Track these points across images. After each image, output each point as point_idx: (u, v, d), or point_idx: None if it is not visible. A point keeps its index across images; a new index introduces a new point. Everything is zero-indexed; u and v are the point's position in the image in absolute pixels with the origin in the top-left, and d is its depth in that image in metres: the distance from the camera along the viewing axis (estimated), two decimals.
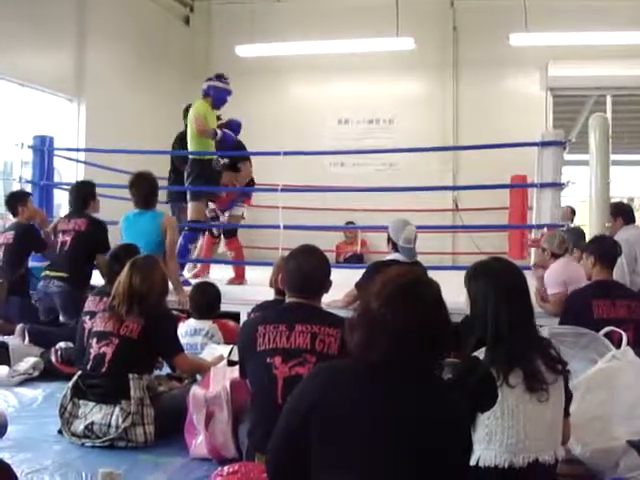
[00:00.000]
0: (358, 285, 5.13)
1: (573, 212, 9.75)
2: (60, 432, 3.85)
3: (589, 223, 6.49)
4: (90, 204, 6.20)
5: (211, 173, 7.16)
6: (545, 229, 6.53)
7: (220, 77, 7.15)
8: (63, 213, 8.34)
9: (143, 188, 5.96)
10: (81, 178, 9.29)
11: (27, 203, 6.54)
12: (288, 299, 3.30)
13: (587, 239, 6.32)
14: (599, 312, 4.26)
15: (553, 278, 5.07)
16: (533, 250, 6.53)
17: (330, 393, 2.09)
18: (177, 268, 5.87)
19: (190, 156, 7.22)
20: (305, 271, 3.23)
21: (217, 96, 7.09)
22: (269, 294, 4.80)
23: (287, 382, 2.91)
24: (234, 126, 7.57)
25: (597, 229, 6.15)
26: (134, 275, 4.02)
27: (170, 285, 4.73)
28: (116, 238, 6.05)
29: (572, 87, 12.07)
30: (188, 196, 7.14)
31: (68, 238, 5.95)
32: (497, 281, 2.72)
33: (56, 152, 8.25)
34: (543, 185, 6.75)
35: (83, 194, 6.20)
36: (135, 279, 4.01)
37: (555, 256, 5.31)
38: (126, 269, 4.08)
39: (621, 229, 6.29)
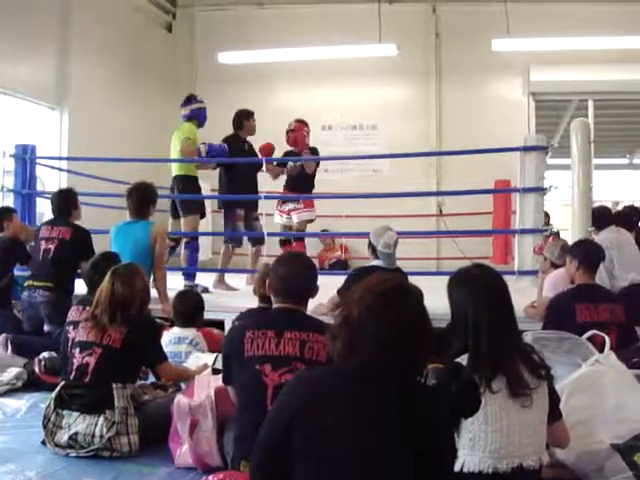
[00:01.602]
0: (340, 292, 5.13)
1: (547, 216, 9.77)
2: (44, 443, 3.82)
3: (571, 227, 6.50)
4: (73, 212, 6.18)
5: (196, 190, 7.40)
6: (551, 238, 6.56)
7: (193, 98, 7.44)
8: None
9: (137, 198, 5.96)
10: (64, 186, 9.29)
11: (12, 219, 6.60)
12: (275, 305, 3.30)
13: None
14: (582, 316, 4.27)
15: (551, 284, 5.06)
16: (536, 257, 6.52)
17: (311, 402, 2.10)
18: (165, 277, 5.86)
19: (176, 173, 7.37)
20: (292, 277, 3.24)
21: (200, 116, 7.40)
22: (253, 302, 4.80)
23: (277, 390, 2.89)
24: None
25: (579, 233, 6.16)
26: (115, 283, 4.01)
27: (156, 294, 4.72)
28: (101, 247, 6.02)
29: (554, 92, 12.13)
30: (181, 211, 7.27)
31: (52, 246, 5.91)
32: (477, 287, 2.73)
33: (38, 161, 8.19)
34: (526, 190, 6.79)
35: (66, 202, 6.16)
36: (117, 287, 3.99)
37: (555, 266, 5.33)
38: (107, 277, 4.06)
39: (598, 233, 6.32)
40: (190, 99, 7.45)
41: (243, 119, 7.77)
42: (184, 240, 7.35)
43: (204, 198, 8.06)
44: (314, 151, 7.91)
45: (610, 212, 6.82)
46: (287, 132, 7.87)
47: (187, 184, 7.34)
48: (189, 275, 7.26)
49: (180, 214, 7.31)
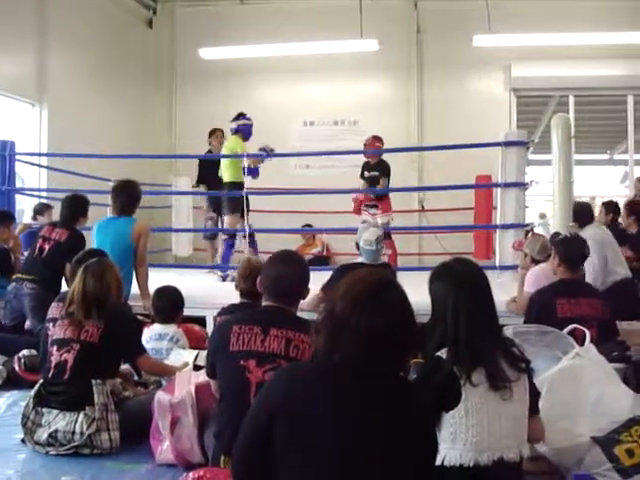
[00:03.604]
0: (324, 289, 5.12)
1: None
2: (23, 441, 3.80)
3: (552, 222, 6.53)
4: (79, 219, 6.18)
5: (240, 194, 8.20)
6: (530, 234, 6.57)
7: (242, 115, 8.41)
8: (26, 219, 8.29)
9: (125, 196, 5.95)
10: (44, 183, 9.24)
11: (9, 226, 6.73)
12: (264, 303, 3.29)
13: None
14: (563, 310, 4.28)
15: (533, 279, 5.07)
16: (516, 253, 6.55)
17: (293, 396, 2.09)
18: (147, 274, 5.85)
19: (225, 180, 8.33)
20: (283, 277, 3.22)
21: (245, 131, 8.33)
22: (235, 297, 4.78)
23: (260, 387, 2.88)
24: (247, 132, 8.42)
25: (560, 228, 6.19)
26: (87, 279, 4.00)
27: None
28: (90, 245, 5.99)
29: (535, 88, 12.20)
30: (226, 209, 8.30)
31: (47, 246, 5.94)
32: (457, 281, 2.73)
33: (17, 157, 8.14)
34: (507, 185, 6.81)
35: (75, 209, 6.17)
36: (88, 283, 3.99)
37: (536, 262, 5.34)
38: (79, 274, 4.06)
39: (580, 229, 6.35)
40: (239, 116, 8.39)
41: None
42: (223, 237, 8.34)
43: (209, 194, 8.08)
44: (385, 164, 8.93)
45: (590, 208, 6.86)
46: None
47: (234, 189, 8.16)
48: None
49: (224, 212, 8.32)
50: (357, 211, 8.88)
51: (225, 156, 8.35)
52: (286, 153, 8.80)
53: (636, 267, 6.80)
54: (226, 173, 8.31)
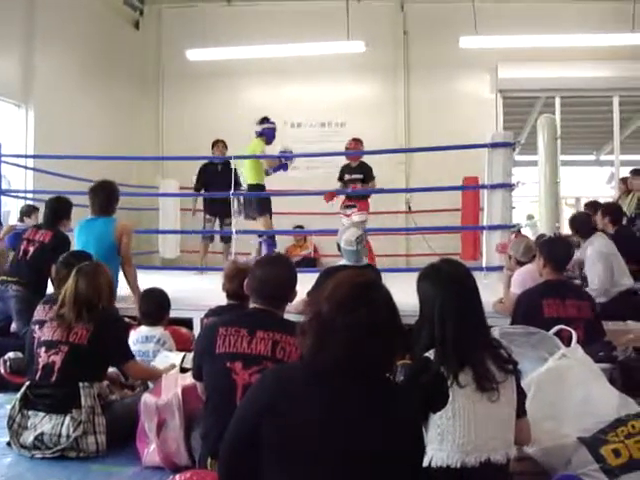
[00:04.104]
0: (310, 294, 5.07)
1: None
2: (9, 444, 3.78)
3: (539, 222, 6.56)
4: (62, 221, 6.17)
5: (264, 195, 8.65)
6: (513, 235, 6.58)
7: (267, 119, 8.60)
8: (12, 220, 8.25)
9: (103, 196, 5.93)
10: (30, 185, 9.19)
11: None
12: (252, 305, 3.29)
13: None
14: (549, 311, 4.30)
15: (519, 281, 5.08)
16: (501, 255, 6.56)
17: (279, 398, 2.09)
18: (135, 272, 5.84)
19: (249, 182, 8.55)
20: (270, 279, 3.23)
21: (269, 134, 8.58)
22: (221, 299, 4.76)
23: (246, 389, 2.88)
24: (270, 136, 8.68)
25: (547, 228, 6.22)
26: (80, 281, 4.00)
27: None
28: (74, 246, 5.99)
29: (521, 89, 12.26)
30: (256, 212, 8.37)
31: (31, 248, 5.94)
32: (444, 282, 2.73)
33: (3, 159, 8.11)
34: (493, 186, 6.82)
35: (58, 210, 6.17)
36: (81, 285, 3.98)
37: (520, 263, 5.35)
38: (72, 276, 4.04)
39: (583, 240, 6.34)
40: (264, 120, 8.59)
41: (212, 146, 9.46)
42: (261, 238, 8.53)
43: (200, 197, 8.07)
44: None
45: (590, 219, 6.87)
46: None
47: (258, 190, 8.48)
48: None
49: (255, 215, 8.38)
50: (329, 197, 8.96)
51: (246, 156, 8.52)
52: (272, 155, 8.78)
53: None
54: (249, 176, 8.54)
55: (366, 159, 8.97)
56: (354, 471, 2.03)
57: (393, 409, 2.12)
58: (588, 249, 6.10)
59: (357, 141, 9.10)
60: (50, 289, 5.82)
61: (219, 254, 9.36)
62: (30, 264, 5.88)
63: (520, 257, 5.39)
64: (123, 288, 5.74)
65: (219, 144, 9.46)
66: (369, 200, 8.98)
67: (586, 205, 8.06)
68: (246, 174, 8.56)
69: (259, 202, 8.39)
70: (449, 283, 2.72)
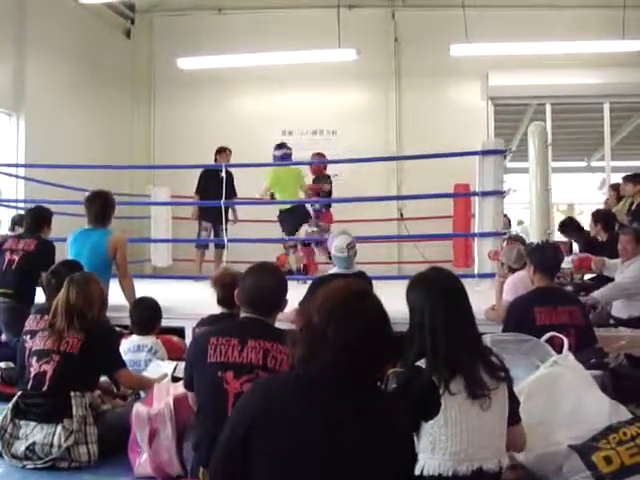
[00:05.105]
0: (301, 304, 5.06)
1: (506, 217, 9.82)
2: (0, 455, 3.76)
3: (530, 229, 6.58)
4: (44, 229, 6.15)
5: None
6: (505, 243, 6.58)
7: (284, 145, 9.14)
8: (3, 230, 8.22)
9: (99, 206, 5.90)
10: (22, 194, 9.17)
11: None
12: (242, 314, 3.28)
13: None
14: (541, 319, 4.30)
15: (511, 288, 5.07)
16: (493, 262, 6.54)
17: (270, 408, 2.09)
18: (132, 285, 5.80)
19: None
20: (260, 288, 3.22)
21: (288, 160, 9.10)
22: (214, 308, 4.76)
23: (238, 398, 2.87)
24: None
25: (538, 235, 6.23)
26: (71, 291, 4.00)
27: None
28: (58, 254, 5.95)
29: (512, 96, 12.32)
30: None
31: (16, 257, 5.86)
32: (433, 289, 2.74)
33: None
34: (485, 193, 6.83)
35: (38, 219, 6.15)
36: (72, 294, 3.99)
37: (512, 270, 5.35)
38: (64, 285, 4.05)
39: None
40: (282, 146, 9.11)
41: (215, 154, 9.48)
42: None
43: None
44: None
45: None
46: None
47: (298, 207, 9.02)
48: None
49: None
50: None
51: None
52: (265, 163, 8.79)
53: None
54: (293, 196, 9.08)
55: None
56: (344, 479, 2.03)
57: (383, 418, 2.13)
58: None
59: (319, 154, 9.60)
60: (39, 297, 5.82)
61: (213, 262, 9.34)
62: (16, 273, 5.81)
63: (512, 264, 5.39)
64: (115, 297, 5.72)
65: (226, 151, 9.40)
66: (331, 212, 9.44)
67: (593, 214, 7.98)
68: (289, 196, 8.94)
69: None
70: (438, 291, 2.72)
